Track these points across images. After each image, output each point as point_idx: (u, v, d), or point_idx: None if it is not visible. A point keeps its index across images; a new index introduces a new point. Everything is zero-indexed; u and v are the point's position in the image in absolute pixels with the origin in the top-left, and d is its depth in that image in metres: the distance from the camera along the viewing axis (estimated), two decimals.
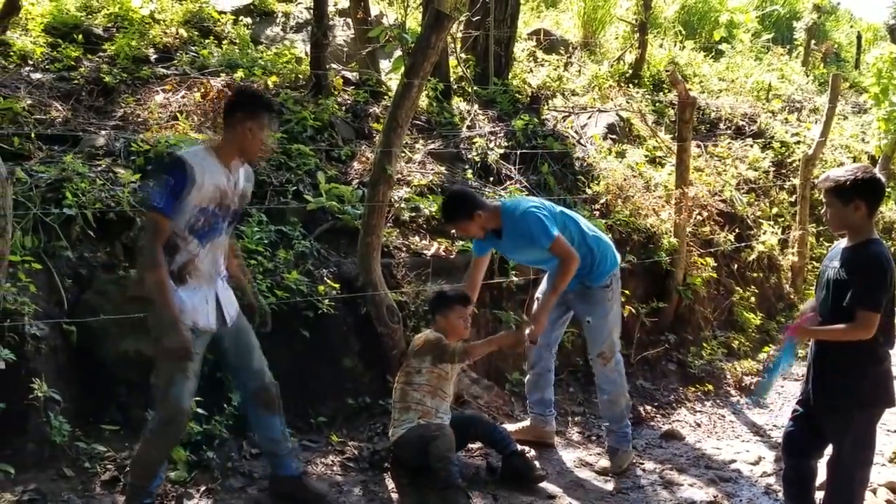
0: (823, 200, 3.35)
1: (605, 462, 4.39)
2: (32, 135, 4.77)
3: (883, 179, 3.33)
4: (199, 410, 3.75)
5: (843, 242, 3.36)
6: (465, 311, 4.15)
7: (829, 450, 3.40)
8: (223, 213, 3.26)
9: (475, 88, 7.70)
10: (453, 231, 4.23)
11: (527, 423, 4.68)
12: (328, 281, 4.65)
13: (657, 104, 8.53)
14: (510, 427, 4.64)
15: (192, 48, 6.77)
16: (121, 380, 3.94)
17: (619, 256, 4.41)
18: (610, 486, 4.15)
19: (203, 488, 3.60)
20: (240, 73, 6.31)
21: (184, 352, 3.02)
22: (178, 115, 5.57)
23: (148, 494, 3.25)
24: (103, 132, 5.16)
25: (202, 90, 5.93)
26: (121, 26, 6.78)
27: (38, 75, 5.70)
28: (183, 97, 5.86)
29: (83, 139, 5.00)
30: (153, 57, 6.49)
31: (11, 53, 5.82)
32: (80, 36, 6.37)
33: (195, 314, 3.17)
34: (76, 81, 5.75)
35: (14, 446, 3.50)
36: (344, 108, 6.55)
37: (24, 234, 3.91)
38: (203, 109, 5.73)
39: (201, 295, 3.22)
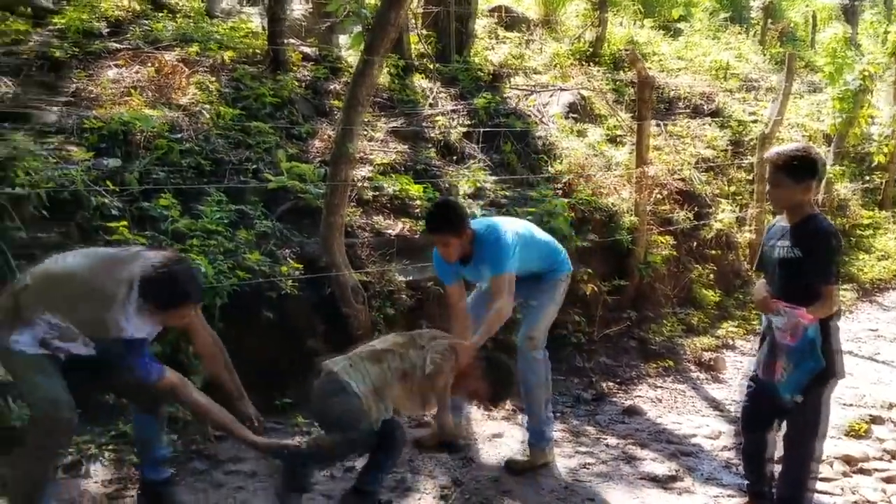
0: (770, 180, 3.34)
1: (520, 457, 4.16)
2: None
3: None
4: None
5: (781, 220, 3.40)
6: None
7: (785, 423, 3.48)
8: None
9: (436, 66, 7.64)
10: (435, 242, 3.86)
11: (435, 425, 4.28)
12: (291, 261, 4.59)
13: (617, 83, 8.57)
14: (420, 432, 4.37)
15: (145, 21, 6.57)
16: (78, 362, 3.83)
17: (570, 263, 4.23)
18: (573, 463, 4.20)
19: None
20: (195, 48, 6.14)
21: None
22: (131, 90, 5.41)
23: None
24: (54, 109, 4.99)
25: (156, 65, 5.77)
26: None
27: None
28: (136, 72, 5.69)
29: (33, 116, 4.84)
30: (104, 30, 6.28)
31: None
32: (28, 9, 6.13)
33: None
34: (25, 56, 5.54)
35: None
36: (303, 84, 6.44)
37: None
38: (157, 84, 5.58)
39: None
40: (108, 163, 4.55)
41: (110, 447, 3.61)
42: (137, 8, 6.77)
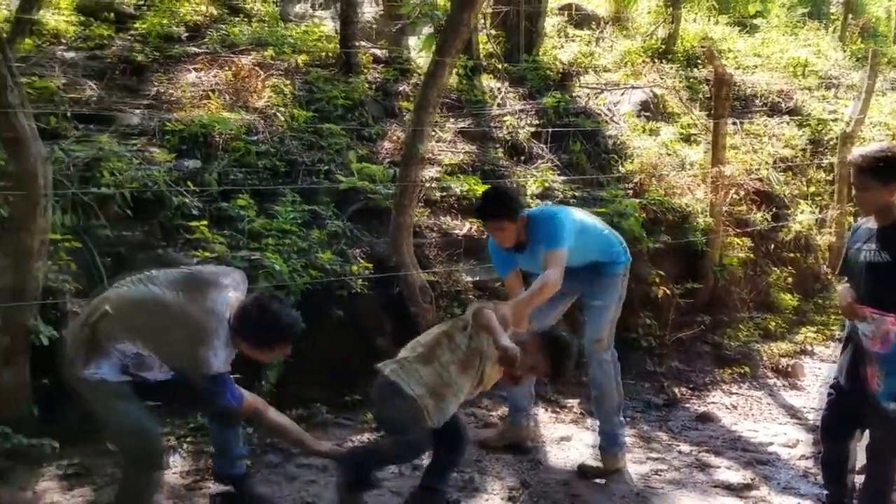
0: (855, 183, 3.23)
1: (593, 461, 4.06)
2: (68, 114, 4.80)
3: None
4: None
5: (867, 223, 3.26)
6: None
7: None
8: None
9: (505, 65, 7.62)
10: (486, 230, 3.89)
11: (502, 426, 4.38)
12: (361, 261, 4.65)
13: (690, 80, 8.38)
14: (486, 433, 4.35)
15: (222, 26, 6.77)
16: None
17: (628, 253, 4.08)
18: (645, 469, 4.13)
19: None
20: (270, 51, 6.29)
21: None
22: (210, 93, 5.57)
23: None
24: (137, 111, 5.19)
25: (233, 68, 5.93)
26: (150, 4, 6.79)
27: (70, 54, 5.74)
28: (214, 76, 5.87)
29: (117, 118, 5.03)
30: (183, 35, 6.49)
31: (45, 32, 5.86)
32: (111, 14, 6.38)
33: None
34: (108, 60, 5.78)
35: (58, 421, 3.56)
36: (373, 86, 6.52)
37: (62, 214, 3.95)
38: (234, 88, 5.74)
39: None
40: (189, 164, 4.71)
41: (188, 439, 3.73)
42: (214, 13, 6.98)
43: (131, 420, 2.81)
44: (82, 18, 6.28)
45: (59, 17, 6.16)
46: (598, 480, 3.93)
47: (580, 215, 4.03)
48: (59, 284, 3.67)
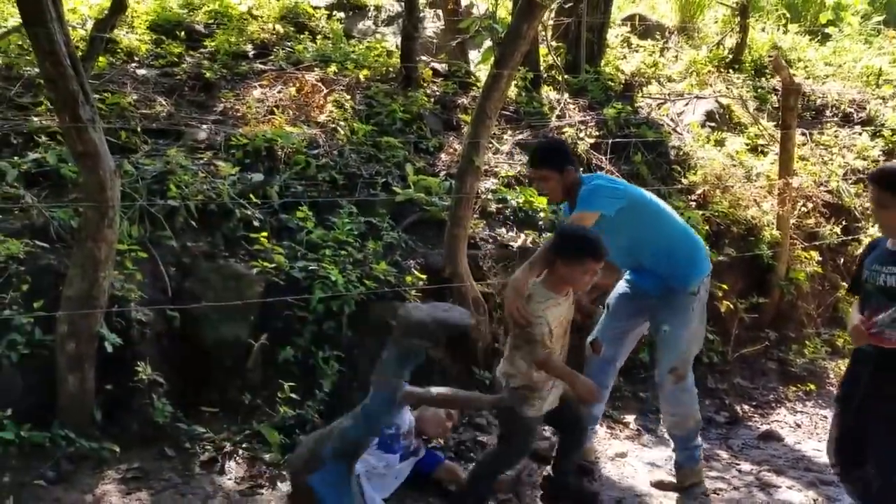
0: (874, 199, 3.06)
1: (665, 476, 4.04)
2: (138, 129, 5.00)
3: None
4: (293, 395, 3.87)
5: (886, 243, 3.11)
6: (597, 265, 3.21)
7: None
8: None
9: (566, 77, 7.58)
10: (534, 179, 3.93)
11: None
12: (415, 272, 4.68)
13: (759, 90, 8.17)
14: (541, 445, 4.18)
15: (288, 43, 6.95)
16: (219, 364, 4.10)
17: (710, 262, 3.80)
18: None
19: None
20: (333, 67, 6.43)
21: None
22: (274, 109, 5.73)
23: None
24: (204, 126, 5.37)
25: (297, 84, 6.08)
26: (220, 23, 7.03)
27: (143, 71, 5.98)
28: (279, 92, 6.02)
29: (185, 133, 5.22)
30: (251, 52, 6.69)
31: (118, 50, 6.13)
32: (183, 32, 6.62)
33: None
34: (179, 77, 5.99)
35: (119, 426, 3.70)
36: (433, 99, 6.58)
37: (130, 225, 4.12)
38: (298, 104, 5.88)
39: None
40: (252, 177, 4.83)
41: (244, 445, 3.80)
42: (282, 31, 7.17)
43: None
44: (155, 37, 6.54)
45: (132, 35, 6.43)
46: (651, 498, 3.87)
47: (646, 195, 3.76)
48: (126, 293, 3.82)
